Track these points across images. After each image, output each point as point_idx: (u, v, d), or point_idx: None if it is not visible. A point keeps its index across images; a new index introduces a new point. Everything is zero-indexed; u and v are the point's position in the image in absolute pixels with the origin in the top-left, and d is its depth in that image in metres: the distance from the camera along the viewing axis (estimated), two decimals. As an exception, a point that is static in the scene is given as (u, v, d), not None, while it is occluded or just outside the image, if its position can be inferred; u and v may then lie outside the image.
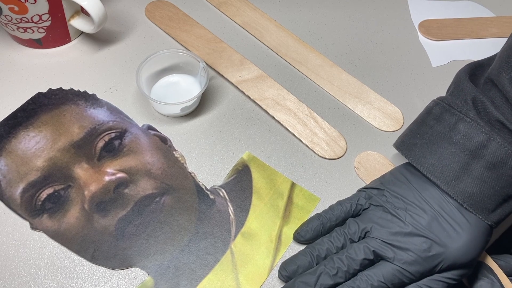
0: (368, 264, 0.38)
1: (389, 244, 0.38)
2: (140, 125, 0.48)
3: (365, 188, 0.43)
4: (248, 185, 0.45)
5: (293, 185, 0.45)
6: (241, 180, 0.45)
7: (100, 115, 0.47)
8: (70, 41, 0.53)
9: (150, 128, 0.48)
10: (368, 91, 0.52)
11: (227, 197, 0.44)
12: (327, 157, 0.47)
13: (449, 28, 0.59)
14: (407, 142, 0.42)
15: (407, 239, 0.38)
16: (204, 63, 0.47)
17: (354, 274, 0.38)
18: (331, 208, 0.42)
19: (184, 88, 0.49)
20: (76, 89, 0.49)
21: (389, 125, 0.50)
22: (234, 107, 0.50)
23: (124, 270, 0.40)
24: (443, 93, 0.53)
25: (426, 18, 0.60)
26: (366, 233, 0.40)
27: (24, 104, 0.47)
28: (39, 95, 0.48)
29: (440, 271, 0.38)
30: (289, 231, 0.43)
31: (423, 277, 0.38)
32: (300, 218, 0.44)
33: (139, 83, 0.46)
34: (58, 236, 0.41)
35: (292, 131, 0.48)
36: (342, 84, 0.52)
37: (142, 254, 0.41)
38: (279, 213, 0.44)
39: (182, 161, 0.46)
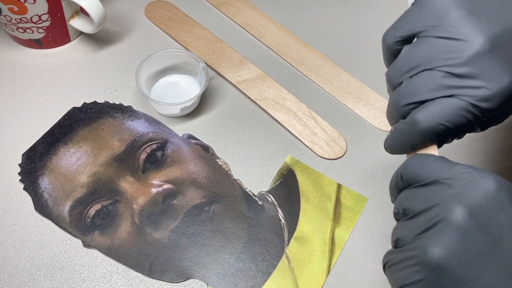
0: None
1: None
2: (180, 135, 0.47)
3: None
4: (295, 189, 0.45)
5: (339, 186, 0.45)
6: (287, 185, 0.45)
7: (139, 127, 0.47)
8: (69, 41, 0.53)
9: (190, 137, 0.47)
10: (368, 91, 0.52)
11: (275, 202, 0.44)
12: (327, 157, 0.47)
13: (449, 28, 0.58)
14: None
15: None
16: (204, 63, 0.47)
17: None
18: None
19: (184, 88, 0.49)
20: (111, 102, 0.49)
21: (389, 125, 0.50)
22: (234, 107, 0.50)
23: (182, 282, 0.40)
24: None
25: (426, 18, 0.59)
26: None
27: (60, 120, 0.47)
28: (74, 109, 0.48)
29: None
30: (341, 232, 0.43)
31: None
32: (351, 219, 0.44)
33: (139, 83, 0.46)
34: (112, 253, 0.41)
35: (292, 131, 0.48)
36: (342, 84, 0.52)
37: (198, 264, 0.41)
38: (329, 215, 0.44)
39: (226, 169, 0.46)
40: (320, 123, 0.49)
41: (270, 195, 0.45)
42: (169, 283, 0.40)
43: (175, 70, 0.50)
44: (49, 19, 0.48)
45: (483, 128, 0.31)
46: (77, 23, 0.51)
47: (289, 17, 0.58)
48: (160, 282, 0.40)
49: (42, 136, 0.46)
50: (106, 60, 0.52)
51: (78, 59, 0.52)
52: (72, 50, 0.53)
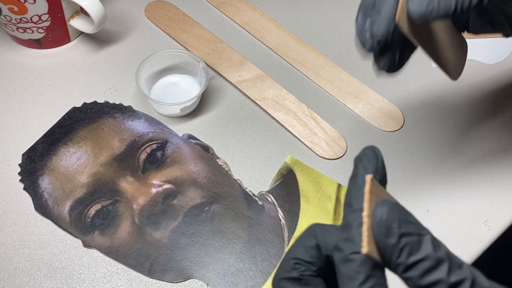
0: None
1: None
2: (180, 135, 0.47)
3: None
4: (294, 189, 0.45)
5: (339, 186, 0.45)
6: (287, 185, 0.45)
7: (139, 127, 0.47)
8: (69, 41, 0.53)
9: (190, 137, 0.47)
10: (368, 91, 0.52)
11: (275, 202, 0.44)
12: (327, 157, 0.47)
13: (449, 28, 0.58)
14: None
15: None
16: (204, 63, 0.47)
17: None
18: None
19: (184, 88, 0.49)
20: (111, 102, 0.49)
21: (389, 125, 0.50)
22: (234, 107, 0.50)
23: (182, 282, 0.40)
24: (443, 92, 0.53)
25: (426, 18, 0.59)
26: None
27: (60, 120, 0.47)
28: (74, 109, 0.48)
29: None
30: None
31: None
32: None
33: (139, 83, 0.46)
34: (112, 253, 0.41)
35: (292, 131, 0.48)
36: (342, 84, 0.52)
37: (198, 264, 0.41)
38: (329, 215, 0.44)
39: (226, 169, 0.46)
40: (320, 123, 0.49)
41: (270, 195, 0.45)
42: (169, 283, 0.40)
43: (175, 70, 0.50)
44: (49, 19, 0.48)
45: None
46: (77, 23, 0.51)
47: (289, 17, 0.58)
48: (160, 282, 0.40)
49: (42, 136, 0.46)
50: (106, 60, 0.52)
51: (78, 59, 0.52)
52: (72, 50, 0.53)
